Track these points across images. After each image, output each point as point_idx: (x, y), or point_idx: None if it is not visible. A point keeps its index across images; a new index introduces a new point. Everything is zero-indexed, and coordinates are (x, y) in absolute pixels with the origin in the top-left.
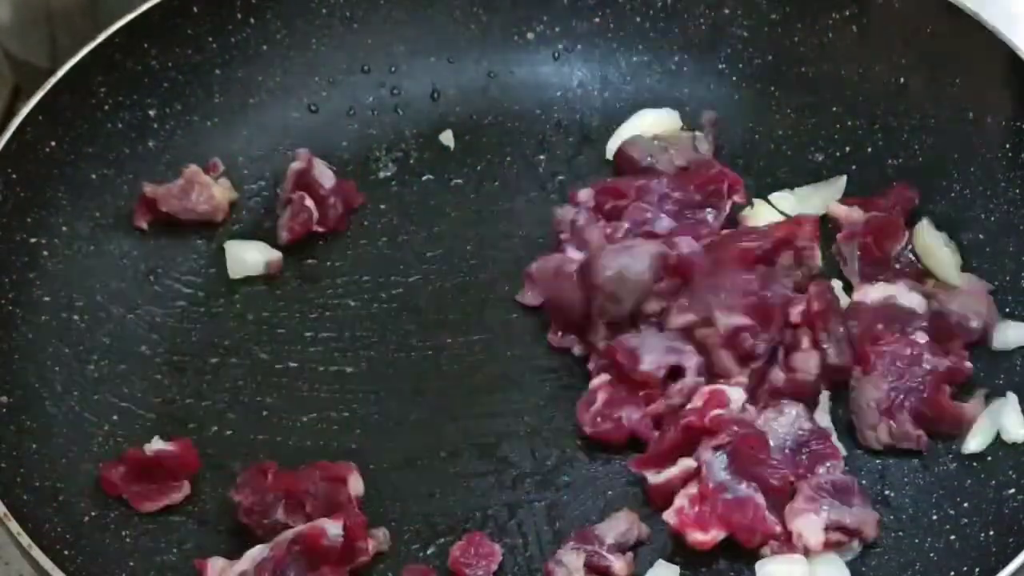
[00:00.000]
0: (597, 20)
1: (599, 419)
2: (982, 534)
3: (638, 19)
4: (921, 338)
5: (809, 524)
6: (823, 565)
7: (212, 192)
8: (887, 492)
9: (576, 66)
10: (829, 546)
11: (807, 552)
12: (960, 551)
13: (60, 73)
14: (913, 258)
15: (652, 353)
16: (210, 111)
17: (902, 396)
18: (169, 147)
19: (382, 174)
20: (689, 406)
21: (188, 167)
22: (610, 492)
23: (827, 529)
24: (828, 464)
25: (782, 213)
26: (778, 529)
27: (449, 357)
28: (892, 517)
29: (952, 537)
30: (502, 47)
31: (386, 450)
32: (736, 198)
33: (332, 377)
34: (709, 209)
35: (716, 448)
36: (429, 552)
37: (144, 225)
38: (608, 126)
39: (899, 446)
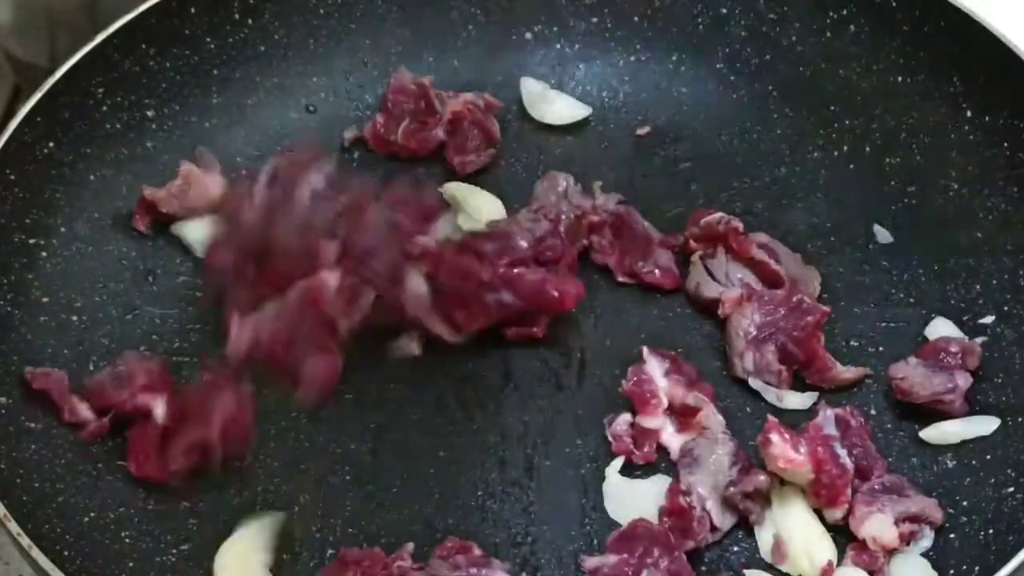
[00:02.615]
0: (595, 20)
1: None
2: (981, 533)
3: (636, 19)
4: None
5: (879, 523)
6: (904, 564)
7: (208, 188)
8: None
9: (574, 66)
10: (905, 539)
11: (887, 552)
12: (960, 549)
13: (58, 74)
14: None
15: None
16: (208, 111)
17: (772, 331)
18: (167, 148)
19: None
20: None
21: (183, 165)
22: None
23: (897, 523)
24: (876, 472)
25: None
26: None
27: (448, 356)
28: None
29: (952, 536)
30: (500, 47)
31: (388, 451)
32: None
33: None
34: None
35: None
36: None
37: (144, 228)
38: (606, 126)
39: (762, 379)
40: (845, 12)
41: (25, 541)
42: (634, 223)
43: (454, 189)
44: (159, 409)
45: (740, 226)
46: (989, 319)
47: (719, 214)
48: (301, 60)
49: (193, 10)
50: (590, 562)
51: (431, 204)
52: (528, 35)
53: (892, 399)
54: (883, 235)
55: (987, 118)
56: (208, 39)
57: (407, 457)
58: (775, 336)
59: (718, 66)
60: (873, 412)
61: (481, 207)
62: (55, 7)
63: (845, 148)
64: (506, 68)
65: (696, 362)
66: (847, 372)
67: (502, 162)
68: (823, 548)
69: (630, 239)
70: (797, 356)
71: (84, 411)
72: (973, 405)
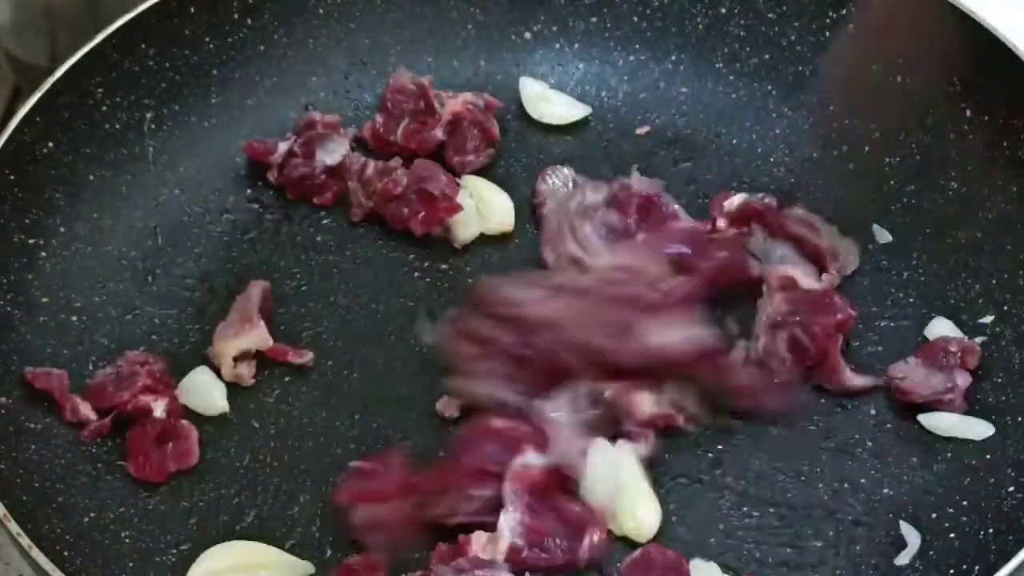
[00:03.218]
0: (594, 20)
1: None
2: (981, 532)
3: (635, 18)
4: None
5: None
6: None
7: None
8: (885, 491)
9: (573, 66)
10: None
11: None
12: (959, 549)
13: (57, 74)
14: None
15: None
16: (208, 112)
17: (792, 319)
18: (167, 148)
19: None
20: None
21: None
22: None
23: None
24: None
25: None
26: None
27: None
28: (891, 515)
29: (951, 535)
30: (499, 47)
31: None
32: None
33: (331, 374)
34: None
35: None
36: None
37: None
38: (605, 126)
39: (768, 362)
40: (844, 12)
41: (25, 541)
42: (663, 205)
43: (472, 183)
44: (159, 410)
45: (775, 202)
46: (989, 319)
47: (749, 193)
48: (300, 60)
49: (192, 10)
50: None
51: None
52: (527, 35)
53: (892, 399)
54: (882, 235)
55: (987, 118)
56: (207, 39)
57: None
58: (792, 325)
59: (717, 66)
60: (873, 412)
61: (493, 203)
62: (55, 7)
63: (844, 148)
64: (506, 68)
65: None
66: (857, 380)
67: (502, 162)
68: (649, 510)
69: (657, 221)
70: (809, 350)
71: (86, 411)
72: (972, 404)
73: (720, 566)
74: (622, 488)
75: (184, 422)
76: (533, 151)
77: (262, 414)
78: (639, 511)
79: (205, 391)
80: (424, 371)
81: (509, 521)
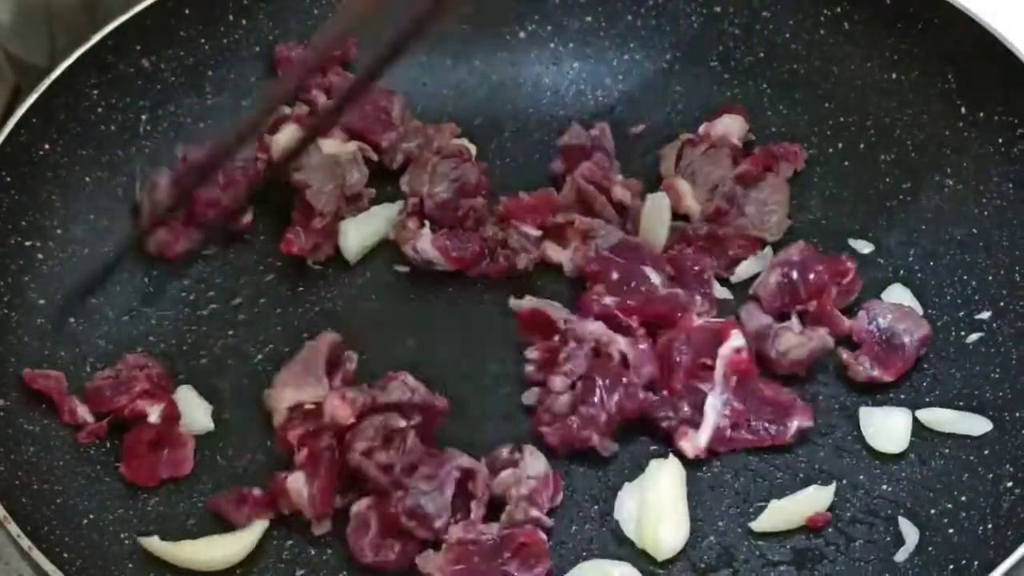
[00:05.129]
0: (589, 18)
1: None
2: (980, 528)
3: (630, 17)
4: None
5: None
6: None
7: None
8: (884, 487)
9: (568, 64)
10: None
11: None
12: (959, 545)
13: (53, 76)
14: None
15: (435, 502)
16: (203, 113)
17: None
18: (162, 149)
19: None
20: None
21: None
22: None
23: None
24: None
25: None
26: None
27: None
28: (890, 511)
29: (951, 531)
30: (494, 46)
31: None
32: None
33: None
34: None
35: None
36: None
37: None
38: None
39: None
40: (839, 9)
41: (25, 543)
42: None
43: None
44: (155, 416)
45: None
46: (986, 315)
47: None
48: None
49: (187, 11)
50: None
51: None
52: (522, 34)
53: (888, 396)
54: (864, 247)
55: (981, 114)
56: (202, 40)
57: None
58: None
59: (712, 64)
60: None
61: None
62: (55, 7)
63: (840, 145)
64: (500, 67)
65: None
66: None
67: (498, 162)
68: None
69: None
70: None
71: (84, 413)
72: (970, 400)
73: (720, 563)
74: (652, 505)
75: (182, 429)
76: (529, 151)
77: (261, 417)
78: (661, 531)
79: (188, 411)
80: (415, 371)
81: (716, 404)
